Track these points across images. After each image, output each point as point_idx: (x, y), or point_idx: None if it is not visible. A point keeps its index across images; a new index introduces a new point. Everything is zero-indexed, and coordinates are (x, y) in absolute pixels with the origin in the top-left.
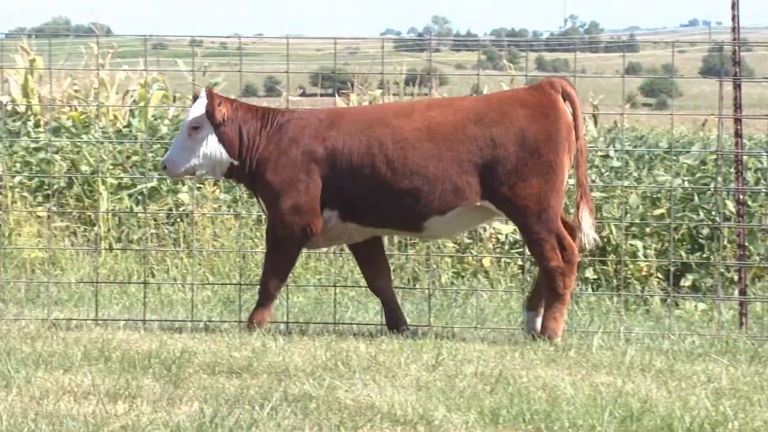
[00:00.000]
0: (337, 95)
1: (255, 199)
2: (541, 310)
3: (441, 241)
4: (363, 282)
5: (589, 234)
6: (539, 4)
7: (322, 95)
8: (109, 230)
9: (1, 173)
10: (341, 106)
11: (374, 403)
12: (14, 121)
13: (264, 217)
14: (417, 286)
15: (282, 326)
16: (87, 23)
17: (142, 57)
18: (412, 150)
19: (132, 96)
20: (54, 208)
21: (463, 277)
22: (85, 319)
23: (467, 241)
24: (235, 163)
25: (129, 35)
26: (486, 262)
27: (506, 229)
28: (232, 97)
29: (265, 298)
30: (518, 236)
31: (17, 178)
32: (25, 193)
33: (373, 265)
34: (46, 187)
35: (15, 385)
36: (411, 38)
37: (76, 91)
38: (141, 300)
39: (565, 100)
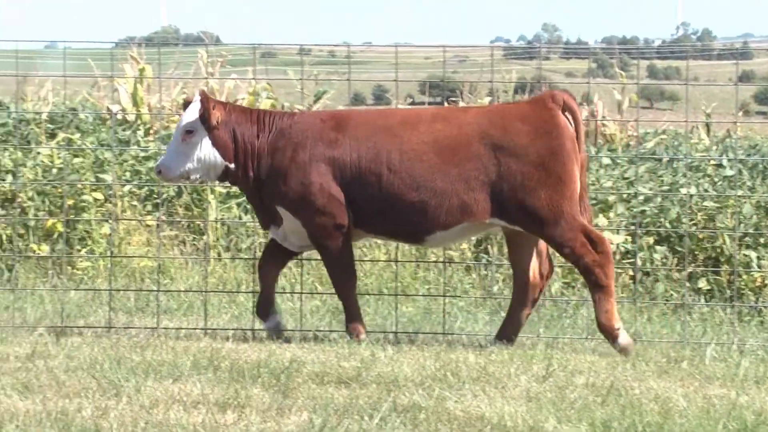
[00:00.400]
0: (446, 103)
1: (252, 203)
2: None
3: (552, 251)
4: (472, 292)
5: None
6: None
7: (430, 104)
8: (217, 239)
9: (112, 182)
10: (343, 109)
11: (484, 414)
12: (124, 130)
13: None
14: None
15: (391, 336)
16: (196, 32)
17: (251, 65)
18: (419, 163)
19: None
20: (163, 217)
21: (573, 287)
22: (194, 328)
23: None
24: (231, 166)
25: (238, 44)
26: None
27: (617, 239)
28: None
29: (347, 304)
30: (629, 246)
31: (127, 187)
32: (134, 202)
33: (276, 257)
34: (155, 197)
35: (125, 393)
36: (521, 46)
37: (185, 99)
38: (250, 309)
39: (565, 113)
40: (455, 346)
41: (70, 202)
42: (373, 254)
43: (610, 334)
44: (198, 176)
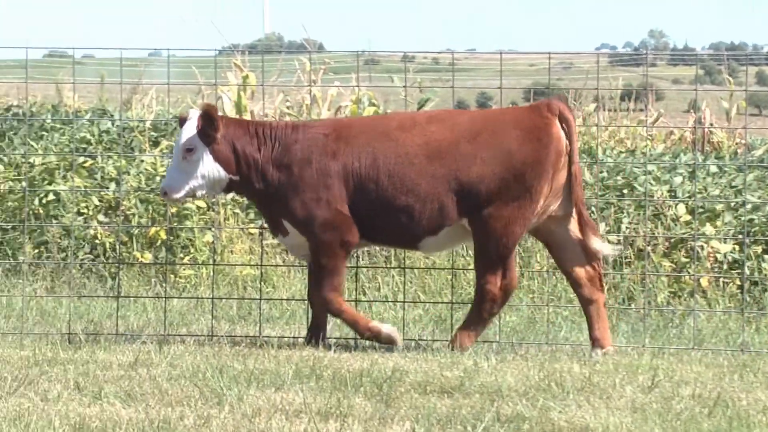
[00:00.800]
0: None
1: (261, 211)
2: None
3: (657, 260)
4: (577, 302)
5: (607, 252)
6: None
7: None
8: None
9: None
10: (343, 117)
11: (588, 425)
12: None
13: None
14: (632, 305)
15: (494, 345)
16: (299, 39)
17: (354, 73)
18: (409, 166)
19: (344, 112)
20: (266, 225)
21: (679, 297)
22: (297, 337)
23: (684, 260)
24: (235, 178)
25: (341, 51)
26: (704, 281)
27: (725, 248)
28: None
29: (342, 315)
30: (737, 255)
31: (230, 195)
32: (237, 210)
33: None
34: None
35: (227, 402)
36: (627, 53)
37: (288, 107)
38: None
39: (561, 123)
40: (559, 355)
41: (173, 210)
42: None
43: (460, 350)
44: (204, 192)
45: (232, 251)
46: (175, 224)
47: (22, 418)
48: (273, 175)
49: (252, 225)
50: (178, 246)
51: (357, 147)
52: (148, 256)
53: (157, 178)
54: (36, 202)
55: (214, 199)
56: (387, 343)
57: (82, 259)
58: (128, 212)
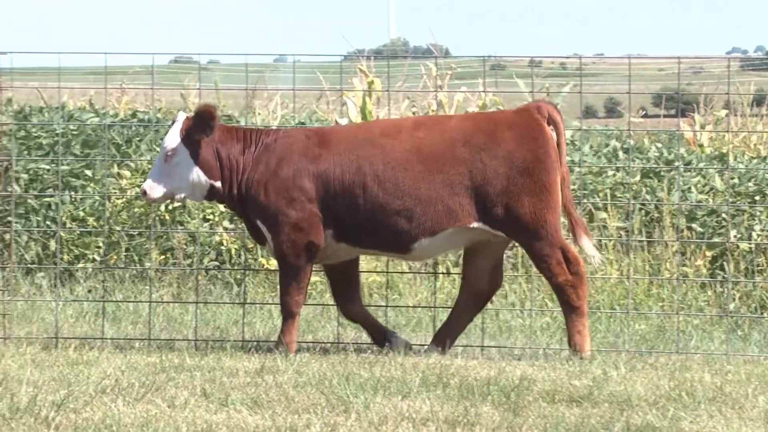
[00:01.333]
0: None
1: (243, 221)
2: (446, 348)
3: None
4: (707, 310)
5: (594, 255)
6: None
7: (665, 116)
8: (446, 255)
9: None
10: (325, 126)
11: None
12: None
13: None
14: (764, 314)
15: (623, 354)
16: (425, 44)
17: (480, 78)
18: (402, 171)
19: None
20: None
21: None
22: (422, 345)
23: None
24: (216, 184)
25: (468, 56)
26: None
27: None
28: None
29: (288, 318)
30: None
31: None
32: None
33: (346, 291)
34: None
35: (354, 410)
36: (759, 57)
37: (413, 112)
38: (479, 326)
39: (550, 125)
40: (690, 365)
41: None
42: (605, 271)
43: (579, 354)
44: (183, 195)
45: None
46: None
47: (150, 425)
48: (250, 174)
49: None
50: None
51: (339, 153)
52: (274, 263)
53: None
54: (162, 208)
55: (195, 202)
56: (281, 353)
57: (207, 266)
58: None
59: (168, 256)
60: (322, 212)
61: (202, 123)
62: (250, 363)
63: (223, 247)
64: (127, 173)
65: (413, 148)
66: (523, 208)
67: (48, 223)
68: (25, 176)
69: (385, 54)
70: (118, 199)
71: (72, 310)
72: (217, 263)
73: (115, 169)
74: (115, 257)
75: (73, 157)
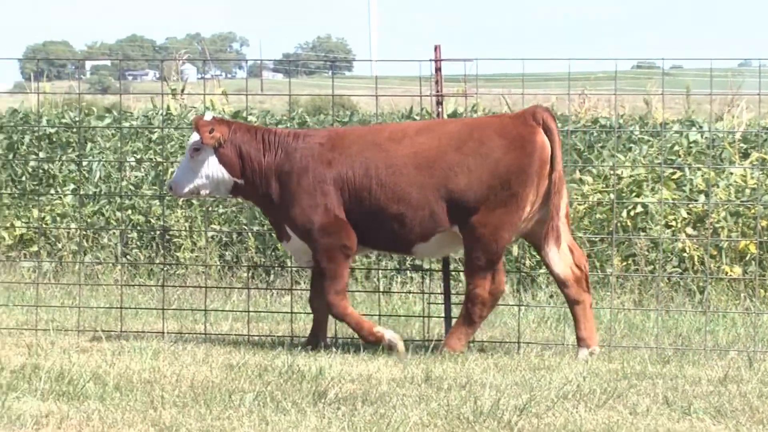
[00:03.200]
0: None
1: (266, 216)
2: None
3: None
4: None
5: (555, 265)
6: None
7: None
8: None
9: None
10: (340, 127)
11: None
12: None
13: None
14: None
15: None
16: None
17: None
18: (400, 176)
19: None
20: None
21: None
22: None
23: None
24: (239, 182)
25: None
26: None
27: None
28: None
29: (352, 321)
30: None
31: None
32: None
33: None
34: None
35: None
36: None
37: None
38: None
39: (545, 132)
40: None
41: (764, 223)
42: None
43: (451, 353)
44: (208, 192)
45: None
46: (766, 238)
47: (611, 431)
48: (275, 182)
49: None
50: None
51: (350, 156)
52: (738, 271)
53: (747, 191)
54: (624, 214)
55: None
56: (388, 348)
57: (670, 273)
58: (717, 225)
59: (630, 262)
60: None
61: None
62: (712, 371)
63: (685, 254)
64: (589, 179)
65: (411, 153)
66: (492, 218)
67: None
68: None
69: None
70: (580, 205)
71: (534, 315)
72: (679, 270)
73: (577, 175)
74: None
75: None
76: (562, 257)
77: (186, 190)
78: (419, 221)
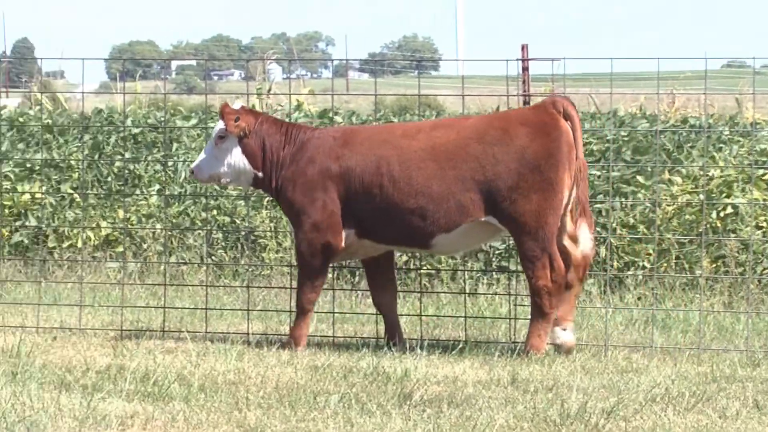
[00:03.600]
0: None
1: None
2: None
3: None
4: None
5: (585, 248)
6: None
7: None
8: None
9: None
10: (355, 126)
11: None
12: None
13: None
14: None
15: None
16: None
17: None
18: (416, 170)
19: None
20: None
21: None
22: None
23: None
24: (259, 174)
25: None
26: None
27: None
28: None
29: (300, 314)
30: None
31: None
32: None
33: (379, 280)
34: None
35: None
36: None
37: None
38: None
39: (566, 120)
40: None
41: None
42: None
43: (534, 354)
44: (228, 180)
45: None
46: None
47: None
48: (285, 171)
49: None
50: None
51: (362, 153)
52: None
53: None
54: (713, 215)
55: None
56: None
57: (760, 274)
58: None
59: (719, 264)
60: (345, 211)
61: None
62: None
63: None
64: (678, 179)
65: (428, 147)
66: (530, 204)
67: (598, 229)
68: None
69: None
70: (668, 206)
71: (621, 318)
72: None
73: (666, 176)
74: (665, 265)
75: (623, 163)
76: (586, 237)
77: (207, 176)
78: (443, 213)
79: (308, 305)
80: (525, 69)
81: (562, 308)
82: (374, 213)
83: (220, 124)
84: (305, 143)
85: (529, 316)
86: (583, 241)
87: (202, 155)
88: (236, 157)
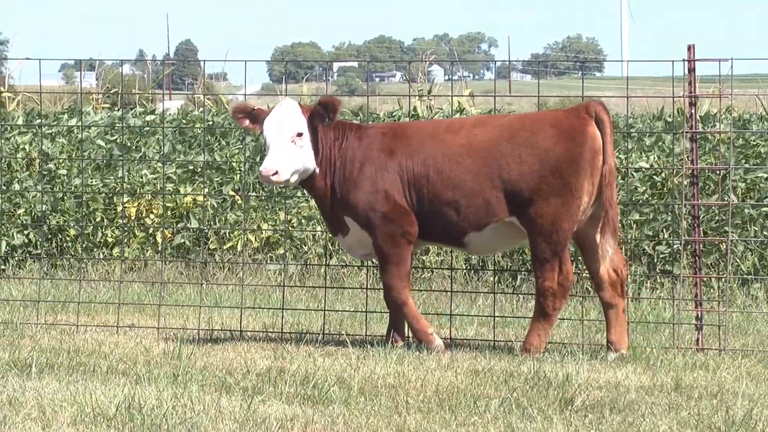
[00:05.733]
0: None
1: (321, 210)
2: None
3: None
4: None
5: (606, 257)
6: None
7: None
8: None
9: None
10: (402, 122)
11: None
12: None
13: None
14: None
15: None
16: None
17: None
18: (456, 164)
19: None
20: None
21: None
22: None
23: None
24: (317, 171)
25: None
26: None
27: None
28: None
29: (402, 308)
30: None
31: None
32: None
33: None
34: None
35: None
36: None
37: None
38: None
39: (598, 125)
40: None
41: None
42: None
43: (531, 354)
44: (297, 179)
45: None
46: None
47: None
48: (340, 171)
49: None
50: None
51: (410, 147)
52: None
53: None
54: None
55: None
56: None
57: None
58: None
59: None
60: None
61: (324, 113)
62: None
63: None
64: None
65: (467, 143)
66: (549, 208)
67: (766, 233)
68: (743, 185)
69: None
70: None
71: None
72: None
73: None
74: None
75: None
76: (612, 253)
77: (289, 175)
78: (474, 209)
79: (408, 299)
80: (691, 70)
81: (615, 331)
82: (422, 206)
83: (292, 123)
84: (355, 142)
85: (693, 321)
86: (610, 257)
87: (279, 156)
88: (307, 155)
